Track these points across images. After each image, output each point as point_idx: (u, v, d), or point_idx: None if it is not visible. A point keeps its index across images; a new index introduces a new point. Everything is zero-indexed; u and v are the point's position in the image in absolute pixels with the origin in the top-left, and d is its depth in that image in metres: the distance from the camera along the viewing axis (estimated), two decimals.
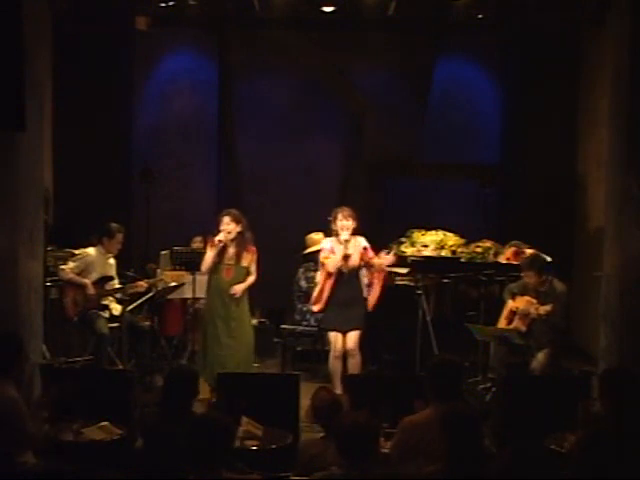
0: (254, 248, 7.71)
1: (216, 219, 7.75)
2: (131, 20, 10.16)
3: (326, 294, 7.70)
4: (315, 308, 7.87)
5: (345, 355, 7.67)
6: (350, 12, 9.58)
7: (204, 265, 7.67)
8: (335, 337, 7.68)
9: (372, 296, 7.75)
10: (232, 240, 7.61)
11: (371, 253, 7.72)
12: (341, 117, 11.06)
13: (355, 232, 7.65)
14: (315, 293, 7.85)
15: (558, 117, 10.46)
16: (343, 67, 10.88)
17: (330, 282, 7.67)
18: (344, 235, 7.57)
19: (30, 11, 6.54)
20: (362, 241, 7.73)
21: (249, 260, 7.67)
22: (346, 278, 7.65)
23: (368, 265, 7.72)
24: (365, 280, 7.76)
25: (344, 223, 7.58)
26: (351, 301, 7.66)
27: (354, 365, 7.63)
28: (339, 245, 7.62)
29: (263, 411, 5.64)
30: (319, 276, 7.85)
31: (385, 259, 7.75)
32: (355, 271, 7.68)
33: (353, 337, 7.64)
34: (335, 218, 7.61)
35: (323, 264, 7.72)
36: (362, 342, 7.71)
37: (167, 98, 10.90)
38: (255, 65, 10.79)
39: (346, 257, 7.59)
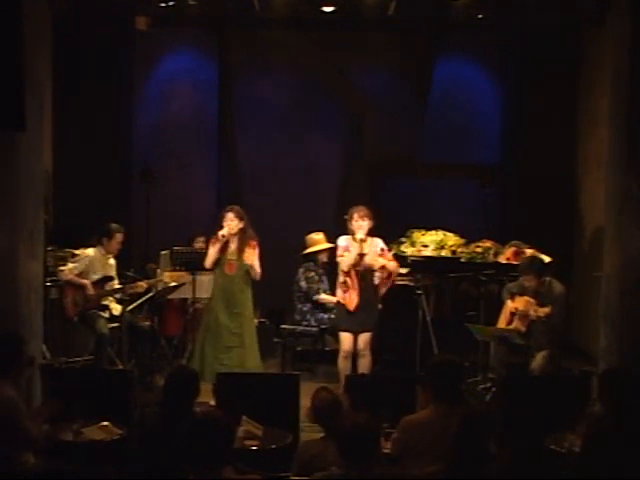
0: (255, 242, 7.75)
1: (218, 216, 7.78)
2: (131, 20, 10.16)
3: (354, 292, 7.61)
4: (351, 307, 7.69)
5: (355, 355, 7.66)
6: (350, 12, 9.57)
7: (207, 260, 7.75)
8: (346, 338, 7.66)
9: (379, 295, 7.75)
10: (234, 235, 7.65)
11: (389, 255, 7.74)
12: (341, 117, 11.06)
13: (370, 232, 7.63)
14: (341, 294, 7.78)
15: (558, 117, 10.46)
16: (343, 67, 10.87)
17: (354, 279, 7.61)
18: (359, 234, 7.56)
19: (30, 11, 6.54)
20: (379, 242, 7.72)
21: (250, 255, 7.70)
22: (362, 275, 7.62)
23: (382, 267, 7.70)
24: (376, 281, 7.74)
25: (360, 223, 7.55)
26: (366, 303, 7.63)
27: (364, 365, 7.62)
28: (355, 244, 7.59)
29: (263, 411, 5.64)
30: (340, 277, 7.80)
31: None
32: (369, 272, 7.65)
33: (365, 338, 7.62)
34: (351, 217, 7.59)
35: (339, 263, 7.72)
36: (373, 343, 7.70)
37: (167, 98, 10.90)
38: (255, 65, 10.79)
39: (361, 256, 7.58)
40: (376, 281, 7.73)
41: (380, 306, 7.80)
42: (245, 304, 7.75)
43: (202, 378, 7.17)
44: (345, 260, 7.62)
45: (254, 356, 7.78)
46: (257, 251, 7.75)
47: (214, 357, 7.53)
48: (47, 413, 5.27)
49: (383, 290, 7.80)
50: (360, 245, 7.55)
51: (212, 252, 7.72)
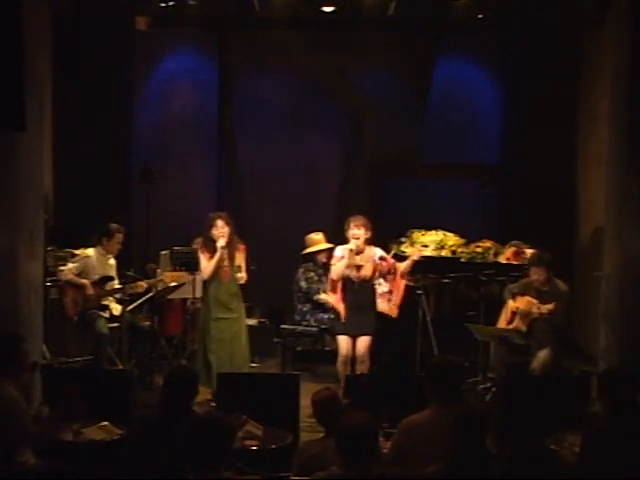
0: (243, 246, 7.75)
1: (206, 222, 7.74)
2: (131, 20, 10.16)
3: (341, 302, 7.65)
4: (341, 315, 7.76)
5: (354, 360, 7.64)
6: (350, 12, 9.57)
7: (206, 272, 7.67)
8: (343, 341, 7.64)
9: (394, 302, 7.72)
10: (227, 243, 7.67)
11: (391, 261, 7.69)
12: (341, 117, 11.05)
13: (369, 240, 7.61)
14: (333, 300, 7.80)
15: (558, 117, 10.45)
16: (343, 67, 10.87)
17: (339, 289, 7.63)
18: (352, 244, 7.52)
19: (30, 11, 6.54)
20: (377, 252, 7.67)
21: (241, 258, 7.72)
22: (357, 287, 7.60)
23: (389, 274, 7.67)
24: (385, 288, 7.73)
25: (355, 232, 7.52)
26: (363, 307, 7.60)
27: (362, 371, 7.57)
28: (349, 254, 7.55)
29: (263, 411, 5.64)
30: (328, 282, 7.83)
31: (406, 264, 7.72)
32: (367, 281, 7.62)
33: (364, 342, 7.58)
34: (348, 226, 7.57)
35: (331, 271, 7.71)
36: (372, 348, 7.68)
37: (167, 98, 10.90)
38: (255, 65, 10.79)
39: (358, 268, 7.55)
40: (385, 289, 7.71)
41: (394, 311, 7.74)
42: (240, 308, 7.79)
43: (209, 385, 7.24)
44: (335, 269, 7.60)
45: (247, 358, 7.80)
46: (245, 254, 7.75)
47: (219, 365, 7.51)
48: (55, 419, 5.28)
49: (400, 295, 7.73)
50: (352, 256, 7.53)
51: (211, 264, 7.64)
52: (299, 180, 10.88)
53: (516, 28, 10.22)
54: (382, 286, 7.74)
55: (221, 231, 7.63)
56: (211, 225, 7.67)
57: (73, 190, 9.84)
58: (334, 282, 7.66)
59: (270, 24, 10.09)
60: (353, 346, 7.62)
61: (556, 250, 8.51)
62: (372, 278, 7.64)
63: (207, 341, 7.68)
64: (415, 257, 7.76)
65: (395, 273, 7.72)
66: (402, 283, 7.77)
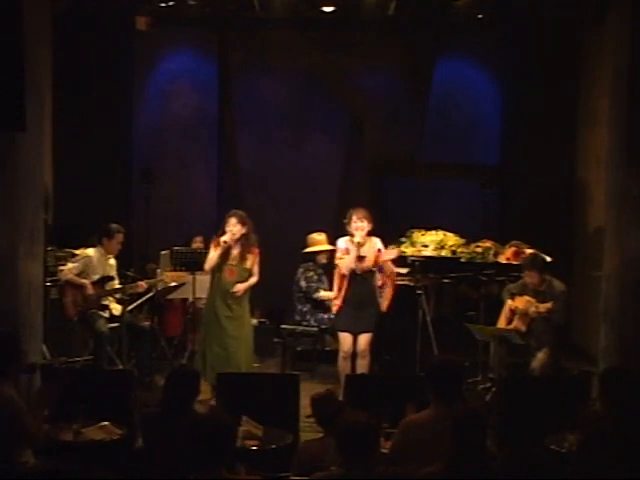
0: (257, 250, 7.73)
1: (222, 219, 7.76)
2: (131, 20, 10.17)
3: (342, 295, 7.67)
4: (334, 309, 7.81)
5: (354, 356, 7.65)
6: (350, 12, 9.59)
7: (208, 264, 7.68)
8: (345, 338, 7.65)
9: (386, 297, 7.72)
10: (236, 241, 7.64)
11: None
12: (341, 117, 11.06)
13: (370, 233, 7.62)
14: (333, 294, 7.83)
15: (558, 117, 10.46)
16: (343, 67, 10.87)
17: (345, 283, 7.65)
18: (357, 237, 7.54)
19: (30, 11, 6.54)
20: (377, 242, 7.68)
21: (252, 261, 7.69)
22: (360, 280, 7.61)
23: (381, 267, 7.69)
24: (378, 282, 7.73)
25: (358, 225, 7.53)
26: (364, 303, 7.61)
27: (363, 366, 7.60)
28: (354, 246, 7.58)
29: (263, 411, 5.64)
30: (335, 277, 7.83)
31: (389, 253, 7.72)
32: (369, 273, 7.63)
33: (365, 339, 7.60)
34: (350, 219, 7.57)
35: (337, 265, 7.71)
36: (373, 344, 7.69)
37: (167, 98, 10.91)
38: (255, 65, 10.79)
39: (360, 258, 7.57)
40: (379, 282, 7.72)
41: (385, 306, 7.73)
42: (244, 308, 7.76)
43: (205, 379, 7.25)
44: (344, 264, 7.61)
45: (249, 359, 7.79)
46: (258, 259, 7.73)
47: (215, 360, 7.53)
48: (46, 402, 5.26)
49: (391, 290, 7.73)
50: (357, 248, 7.55)
51: (213, 256, 7.64)
52: (299, 180, 10.89)
53: (516, 28, 10.23)
54: (377, 280, 7.74)
55: (231, 229, 7.63)
56: (225, 221, 7.68)
57: (73, 190, 9.85)
58: (342, 277, 7.65)
59: (270, 24, 10.10)
60: (354, 342, 7.63)
61: (556, 250, 8.52)
62: (373, 269, 7.64)
63: (206, 334, 7.68)
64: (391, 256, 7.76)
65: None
66: (392, 279, 7.75)
